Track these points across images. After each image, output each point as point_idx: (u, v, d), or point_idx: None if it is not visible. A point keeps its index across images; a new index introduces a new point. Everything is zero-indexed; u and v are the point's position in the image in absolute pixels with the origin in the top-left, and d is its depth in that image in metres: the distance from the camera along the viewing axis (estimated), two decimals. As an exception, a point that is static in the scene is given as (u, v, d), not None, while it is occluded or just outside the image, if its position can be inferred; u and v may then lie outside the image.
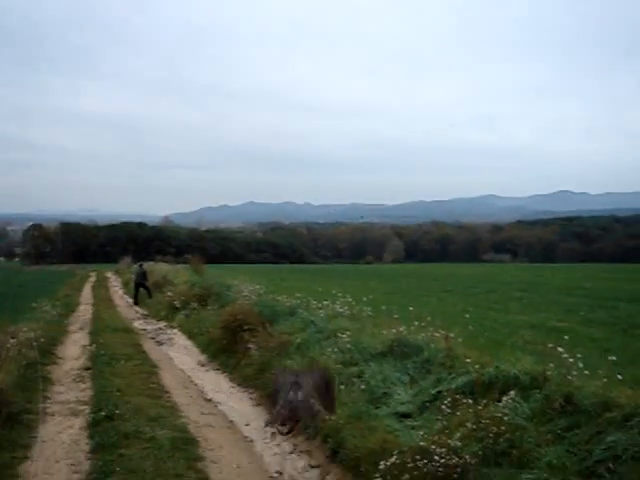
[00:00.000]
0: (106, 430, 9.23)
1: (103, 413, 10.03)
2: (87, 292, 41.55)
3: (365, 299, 16.37)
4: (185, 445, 8.90)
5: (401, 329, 11.73)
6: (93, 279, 58.03)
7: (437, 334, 11.11)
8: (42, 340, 15.62)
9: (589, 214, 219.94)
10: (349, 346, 12.03)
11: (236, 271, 47.44)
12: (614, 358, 8.91)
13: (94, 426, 9.61)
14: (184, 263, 49.09)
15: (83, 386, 12.75)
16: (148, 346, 18.38)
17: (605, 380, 7.78)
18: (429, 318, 12.43)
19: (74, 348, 17.41)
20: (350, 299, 16.37)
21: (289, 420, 10.07)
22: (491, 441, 6.96)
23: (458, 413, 7.70)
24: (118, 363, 14.70)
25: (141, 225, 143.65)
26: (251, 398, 12.54)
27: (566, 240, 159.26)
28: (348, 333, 12.65)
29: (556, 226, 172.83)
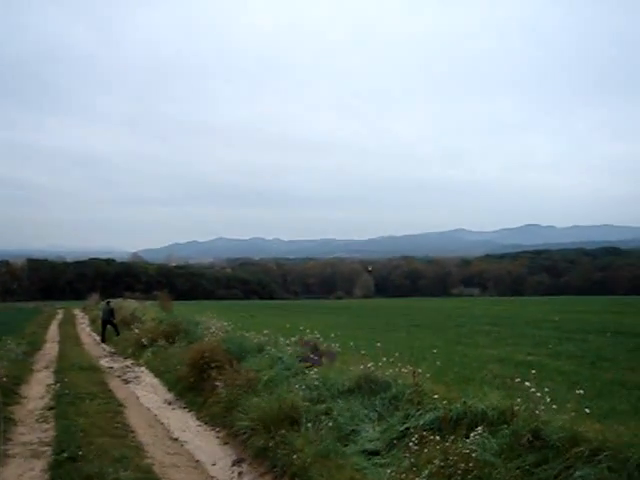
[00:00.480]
0: (68, 472, 8.99)
1: (66, 454, 9.78)
2: (54, 329, 41.15)
3: (333, 335, 16.29)
4: (149, 487, 8.71)
5: (369, 365, 11.62)
6: (60, 316, 57.53)
7: (405, 370, 11.02)
8: (5, 379, 15.37)
9: (556, 247, 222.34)
10: (317, 383, 11.92)
11: (205, 307, 47.19)
12: (582, 392, 8.84)
13: (56, 468, 9.33)
14: (153, 299, 48.71)
15: (46, 426, 12.44)
16: (114, 384, 18.12)
17: (573, 414, 7.74)
18: (397, 354, 12.36)
19: (38, 387, 17.09)
20: (318, 335, 16.25)
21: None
22: (459, 478, 6.87)
23: (426, 450, 7.59)
24: (83, 402, 14.43)
25: (109, 261, 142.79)
26: (218, 437, 12.38)
27: (534, 273, 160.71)
28: (316, 370, 12.55)
29: (524, 259, 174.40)
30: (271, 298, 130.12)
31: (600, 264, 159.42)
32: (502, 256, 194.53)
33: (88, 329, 42.35)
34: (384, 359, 12.09)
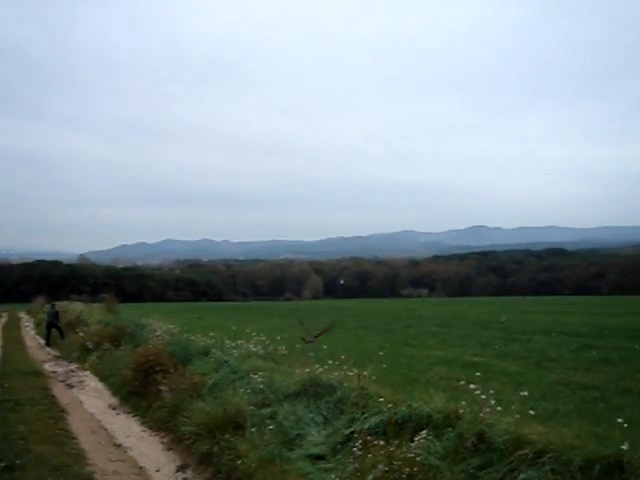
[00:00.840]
0: (5, 482, 8.74)
1: (3, 464, 9.45)
2: (-3, 333, 40.22)
3: (279, 338, 16.17)
4: (88, 496, 8.50)
5: (315, 368, 11.52)
6: (4, 320, 56.47)
7: (351, 373, 10.93)
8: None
9: (503, 248, 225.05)
10: (262, 386, 11.77)
11: (153, 310, 46.68)
12: (526, 393, 8.85)
13: (-8, 478, 9.08)
14: (100, 302, 48.05)
15: (-16, 434, 12.13)
16: (57, 390, 17.76)
17: (518, 416, 7.71)
18: (343, 356, 12.27)
19: (-22, 394, 16.67)
20: (264, 338, 16.13)
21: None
22: (404, 483, 6.81)
23: (370, 455, 7.51)
24: (24, 409, 14.07)
25: (56, 263, 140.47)
26: (162, 442, 12.17)
27: (482, 274, 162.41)
28: (261, 373, 12.42)
29: (472, 260, 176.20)
30: (220, 300, 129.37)
31: (546, 265, 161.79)
32: (450, 257, 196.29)
33: (33, 332, 41.70)
34: (330, 362, 12.01)
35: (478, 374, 12.59)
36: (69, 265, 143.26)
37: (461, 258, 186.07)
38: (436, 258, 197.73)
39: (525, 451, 6.71)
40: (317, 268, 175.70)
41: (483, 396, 8.08)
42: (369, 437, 7.98)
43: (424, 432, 7.66)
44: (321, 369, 11.58)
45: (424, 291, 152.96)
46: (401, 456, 7.14)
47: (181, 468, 10.40)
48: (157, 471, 10.34)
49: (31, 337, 38.15)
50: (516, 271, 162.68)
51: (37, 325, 43.95)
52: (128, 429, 13.36)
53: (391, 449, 7.33)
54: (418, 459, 7.09)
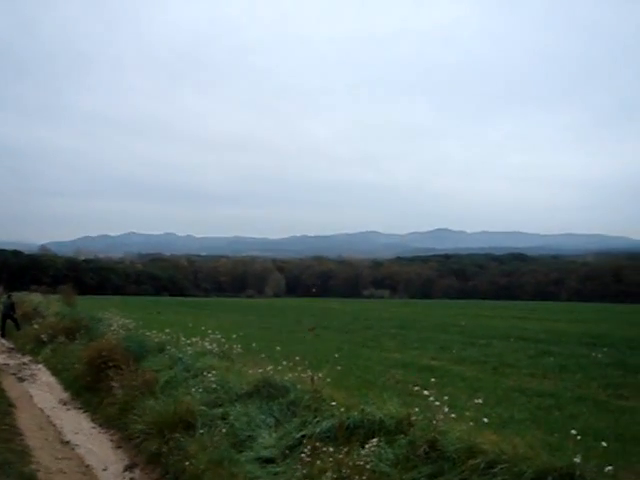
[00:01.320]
0: (-58, 480, 8.45)
1: (-59, 461, 9.20)
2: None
3: (235, 336, 15.99)
4: (30, 496, 8.24)
5: (269, 369, 11.33)
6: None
7: (305, 375, 10.75)
8: None
9: (466, 252, 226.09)
10: (215, 386, 11.57)
11: (112, 303, 46.20)
12: (481, 401, 8.74)
13: None
14: (60, 294, 47.48)
15: None
16: (7, 383, 17.45)
17: (472, 423, 7.62)
18: (297, 357, 12.10)
19: None
20: (220, 336, 15.90)
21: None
22: (353, 490, 6.66)
23: (319, 462, 7.35)
24: (-30, 402, 13.76)
25: (16, 253, 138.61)
26: (112, 440, 11.99)
27: (444, 276, 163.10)
28: (215, 372, 12.22)
29: (434, 263, 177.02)
30: (182, 295, 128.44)
31: (507, 269, 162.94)
32: (413, 259, 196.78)
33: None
34: (284, 363, 11.84)
35: (434, 379, 12.51)
36: (30, 255, 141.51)
37: (424, 260, 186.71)
38: (399, 259, 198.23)
39: (477, 461, 6.61)
40: (280, 266, 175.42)
41: (437, 402, 7.95)
42: (318, 443, 7.83)
43: (375, 440, 7.52)
44: (275, 370, 11.41)
45: (386, 292, 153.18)
46: (350, 463, 6.99)
47: (129, 467, 10.23)
48: (104, 470, 10.17)
49: (-16, 328, 37.49)
50: (477, 275, 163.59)
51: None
52: (77, 425, 13.14)
53: (340, 456, 7.18)
54: (368, 466, 6.95)
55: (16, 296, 39.10)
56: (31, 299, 44.31)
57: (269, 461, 8.61)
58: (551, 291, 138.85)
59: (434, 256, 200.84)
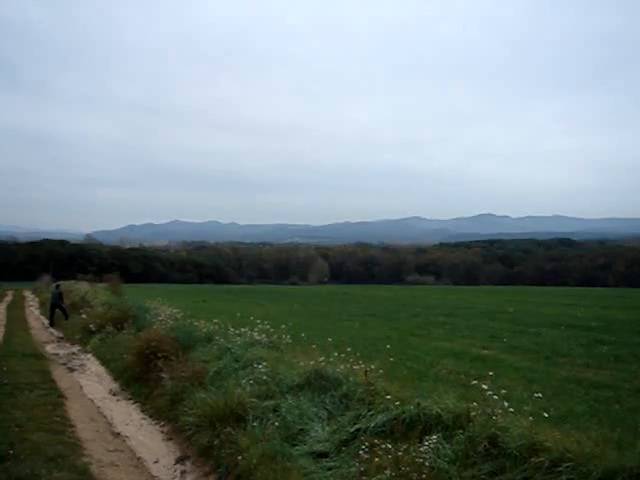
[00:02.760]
0: (-3, 473, 8.40)
1: (-4, 453, 9.15)
2: (1, 312, 40.10)
3: (284, 326, 15.85)
4: (83, 489, 8.18)
5: (320, 360, 11.17)
6: (9, 298, 56.39)
7: (357, 367, 10.58)
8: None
9: (510, 237, 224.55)
10: (265, 377, 11.43)
11: (158, 291, 46.55)
12: (540, 395, 8.51)
13: (-17, 469, 8.73)
14: (106, 282, 47.93)
15: (-20, 420, 11.80)
16: (58, 373, 17.50)
17: (531, 418, 7.39)
18: (349, 349, 11.94)
19: (-23, 376, 16.35)
20: (268, 326, 15.80)
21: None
22: (412, 488, 6.48)
23: (377, 459, 7.17)
24: (22, 393, 13.71)
25: (63, 243, 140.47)
26: (162, 431, 11.92)
27: (488, 262, 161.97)
28: (265, 363, 12.09)
29: (478, 248, 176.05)
30: (226, 282, 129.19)
31: (553, 255, 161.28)
32: (457, 245, 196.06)
33: (37, 312, 41.49)
34: (335, 354, 11.68)
35: (487, 370, 12.28)
36: (76, 244, 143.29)
37: (468, 246, 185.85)
38: (442, 245, 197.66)
39: (541, 459, 6.37)
40: (323, 253, 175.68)
41: (495, 396, 7.74)
42: (375, 439, 7.64)
43: (434, 437, 7.32)
44: (326, 361, 11.25)
45: (430, 278, 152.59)
46: (409, 461, 6.81)
47: (180, 460, 10.15)
48: (155, 462, 10.10)
49: (35, 317, 37.97)
50: (523, 260, 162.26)
51: (42, 305, 43.76)
52: (128, 417, 13.11)
53: (399, 454, 6.99)
54: (427, 464, 6.76)
55: (64, 285, 39.48)
56: (78, 288, 44.80)
57: (322, 455, 8.47)
58: (597, 276, 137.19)
59: (478, 241, 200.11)
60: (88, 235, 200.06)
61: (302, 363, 11.65)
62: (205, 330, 17.06)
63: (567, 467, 6.11)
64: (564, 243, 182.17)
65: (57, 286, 34.92)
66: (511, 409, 7.62)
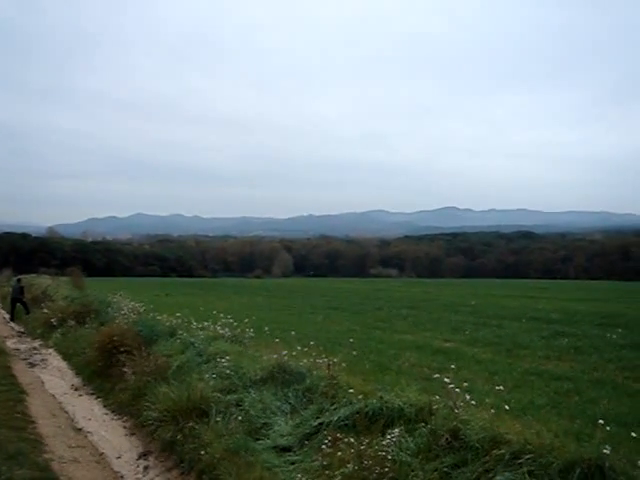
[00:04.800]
0: (-46, 471, 8.28)
1: (-47, 451, 9.03)
2: (-41, 307, 39.43)
3: (247, 320, 15.82)
4: (45, 486, 8.10)
5: (283, 354, 11.17)
6: (-33, 293, 55.42)
7: (320, 360, 10.60)
8: None
9: (473, 230, 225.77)
10: (228, 371, 11.41)
11: (121, 285, 46.18)
12: (501, 388, 8.58)
13: (-58, 467, 8.59)
14: (68, 276, 47.44)
15: (-63, 417, 11.64)
16: (19, 368, 17.32)
17: (493, 411, 7.46)
18: (312, 342, 11.97)
19: None
20: (232, 319, 15.77)
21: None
22: (374, 481, 6.51)
23: (339, 453, 7.19)
24: (-19, 390, 13.60)
25: (24, 236, 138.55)
26: (125, 427, 11.87)
27: (451, 255, 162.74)
28: (228, 357, 12.07)
29: (442, 241, 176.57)
30: (190, 276, 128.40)
31: (514, 248, 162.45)
32: (420, 237, 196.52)
33: (-4, 307, 40.92)
34: (298, 347, 11.70)
35: (449, 362, 12.37)
36: (37, 238, 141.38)
37: (431, 239, 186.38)
38: (406, 238, 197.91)
39: (502, 451, 6.43)
40: (287, 246, 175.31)
41: (457, 389, 7.79)
42: (338, 433, 7.66)
43: (397, 430, 7.36)
44: (289, 355, 11.26)
45: (394, 271, 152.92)
46: (372, 454, 6.84)
47: (143, 455, 10.13)
48: (118, 458, 10.07)
49: (-5, 312, 37.45)
50: (485, 253, 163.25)
51: (2, 299, 43.17)
52: (90, 412, 13.03)
53: (362, 447, 7.01)
54: (390, 457, 6.79)
55: (25, 279, 39.04)
56: (40, 282, 44.26)
57: (286, 449, 8.48)
58: (559, 269, 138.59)
59: (442, 234, 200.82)
60: (50, 228, 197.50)
61: (265, 357, 11.67)
62: (168, 324, 16.99)
63: (528, 459, 6.17)
64: (526, 236, 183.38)
65: (18, 280, 34.51)
66: (473, 402, 7.69)
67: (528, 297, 42.99)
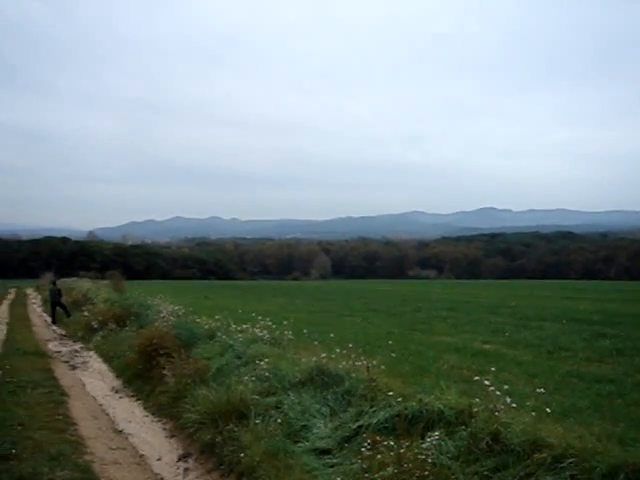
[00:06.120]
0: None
1: (-2, 452, 9.13)
2: (4, 310, 40.11)
3: (286, 322, 15.82)
4: (86, 488, 8.17)
5: (322, 356, 11.16)
6: (12, 296, 56.40)
7: (359, 363, 10.57)
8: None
9: (512, 231, 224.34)
10: (267, 374, 11.43)
11: (160, 288, 46.56)
12: (542, 390, 8.49)
13: (-13, 468, 8.71)
14: (108, 279, 48.00)
15: (-17, 419, 11.79)
16: (60, 371, 17.52)
17: (534, 414, 7.37)
18: (351, 345, 11.93)
19: (-21, 374, 16.34)
20: (270, 322, 15.80)
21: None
22: (414, 484, 6.47)
23: (379, 455, 7.16)
24: (24, 392, 13.73)
25: (65, 240, 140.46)
26: (165, 429, 11.94)
27: (490, 256, 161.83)
28: (267, 360, 12.08)
29: (480, 242, 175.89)
30: (228, 278, 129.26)
31: (554, 248, 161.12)
32: (458, 238, 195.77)
33: (39, 310, 41.54)
34: (337, 350, 11.67)
35: (489, 364, 12.26)
36: (78, 242, 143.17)
37: (469, 240, 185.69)
38: (444, 239, 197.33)
39: (543, 455, 6.34)
40: (325, 248, 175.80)
41: (497, 392, 7.72)
42: (378, 437, 7.62)
43: (437, 434, 7.31)
44: (328, 357, 11.24)
45: (432, 273, 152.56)
46: (411, 457, 6.80)
47: (183, 457, 10.16)
48: (158, 460, 10.12)
49: (37, 314, 37.99)
50: (524, 254, 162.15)
51: (44, 302, 43.74)
52: (130, 414, 13.12)
53: (401, 450, 6.98)
54: (429, 460, 6.75)
55: (65, 283, 39.45)
56: (80, 285, 44.80)
57: (325, 452, 8.46)
58: (599, 269, 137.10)
59: (480, 235, 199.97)
60: (90, 232, 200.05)
61: (304, 359, 11.68)
62: (207, 327, 17.05)
63: (570, 463, 6.08)
64: (566, 236, 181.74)
65: (53, 283, 34.93)
66: (513, 404, 7.60)
67: (568, 298, 42.52)
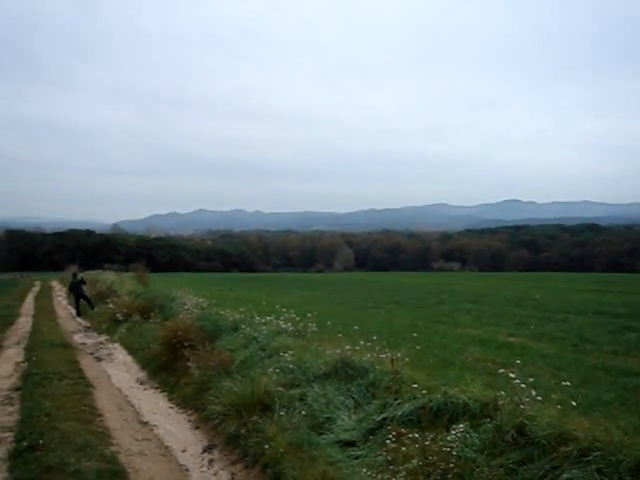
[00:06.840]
0: (27, 463, 8.40)
1: (26, 443, 9.15)
2: (29, 302, 40.40)
3: (309, 314, 15.83)
4: (112, 479, 8.21)
5: (346, 348, 11.16)
6: (37, 288, 56.82)
7: (383, 355, 10.55)
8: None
9: (537, 223, 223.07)
10: (291, 366, 11.44)
11: (184, 280, 46.76)
12: (568, 383, 8.44)
13: (15, 458, 8.74)
14: (132, 272, 48.26)
15: (10, 409, 11.84)
16: (85, 362, 17.60)
17: (559, 407, 7.33)
18: (375, 337, 11.92)
19: (6, 366, 16.45)
20: (294, 314, 15.82)
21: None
22: (439, 477, 6.45)
23: (404, 448, 7.15)
24: (51, 383, 13.79)
25: (89, 233, 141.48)
26: (190, 420, 11.95)
27: (514, 248, 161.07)
28: (291, 352, 12.10)
29: (504, 234, 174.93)
30: (251, 270, 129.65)
31: (579, 240, 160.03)
32: (482, 231, 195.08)
33: (64, 302, 41.75)
34: (361, 342, 11.66)
35: (514, 357, 12.21)
36: (102, 234, 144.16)
37: (493, 232, 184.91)
38: (468, 232, 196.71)
39: (569, 448, 6.29)
40: (349, 240, 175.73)
41: (522, 384, 7.68)
42: (403, 429, 7.62)
43: (461, 426, 7.29)
44: (352, 349, 11.24)
45: (456, 265, 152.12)
46: (436, 449, 6.79)
47: (208, 449, 10.17)
48: (183, 451, 10.13)
49: (62, 307, 38.19)
50: (549, 246, 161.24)
51: (69, 294, 44.05)
52: (155, 405, 13.16)
53: (426, 442, 6.97)
54: (454, 453, 6.73)
55: (86, 275, 39.57)
56: (105, 278, 45.06)
57: (349, 444, 8.45)
58: (625, 262, 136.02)
59: (504, 227, 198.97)
60: (114, 225, 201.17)
61: (328, 352, 11.67)
62: (231, 319, 17.08)
63: (596, 456, 6.03)
64: (590, 228, 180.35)
65: (74, 275, 34.98)
66: (539, 397, 7.55)
67: (593, 291, 42.26)
